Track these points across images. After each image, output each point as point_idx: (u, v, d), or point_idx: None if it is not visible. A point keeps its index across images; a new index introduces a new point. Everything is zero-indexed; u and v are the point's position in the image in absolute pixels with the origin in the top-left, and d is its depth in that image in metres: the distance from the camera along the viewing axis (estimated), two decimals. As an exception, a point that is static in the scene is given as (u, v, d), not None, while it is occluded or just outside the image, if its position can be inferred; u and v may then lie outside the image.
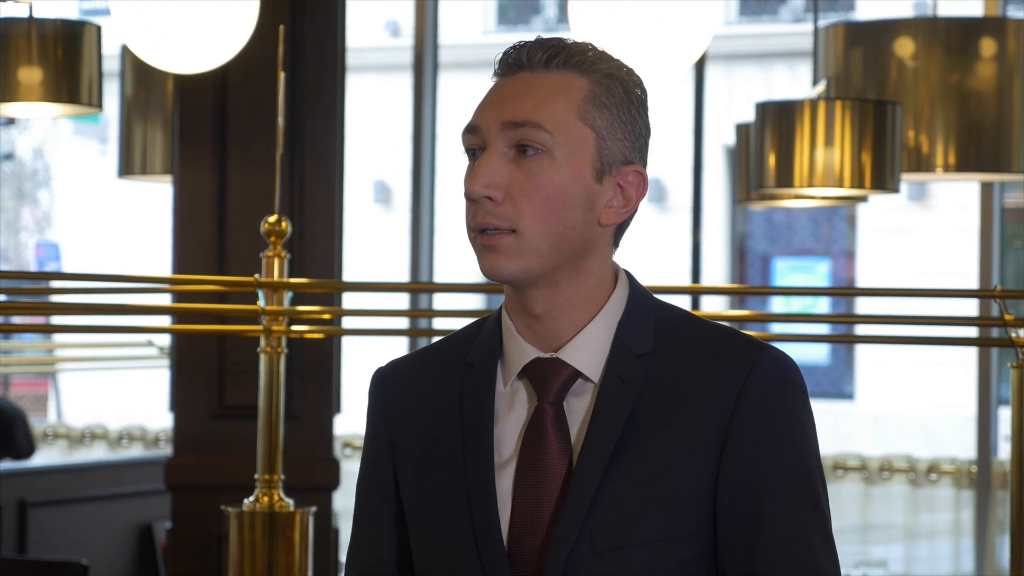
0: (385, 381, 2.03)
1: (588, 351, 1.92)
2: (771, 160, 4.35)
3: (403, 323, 6.83)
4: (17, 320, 9.69)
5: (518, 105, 1.89)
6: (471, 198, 1.89)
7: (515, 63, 1.93)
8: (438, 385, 1.98)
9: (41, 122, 15.56)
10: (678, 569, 1.86)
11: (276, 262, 3.46)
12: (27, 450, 7.02)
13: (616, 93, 1.92)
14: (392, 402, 2.01)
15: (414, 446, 1.98)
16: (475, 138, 1.92)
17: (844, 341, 9.27)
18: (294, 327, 3.54)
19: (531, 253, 1.88)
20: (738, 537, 1.87)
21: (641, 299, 1.96)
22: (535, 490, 1.89)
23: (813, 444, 1.92)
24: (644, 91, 1.96)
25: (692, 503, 1.87)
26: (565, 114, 1.90)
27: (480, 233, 1.90)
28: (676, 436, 1.88)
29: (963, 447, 7.83)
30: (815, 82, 4.83)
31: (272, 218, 3.48)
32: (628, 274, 1.98)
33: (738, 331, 1.95)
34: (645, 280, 2.01)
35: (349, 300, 4.93)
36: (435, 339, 2.13)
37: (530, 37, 1.97)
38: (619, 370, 1.91)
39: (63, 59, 3.99)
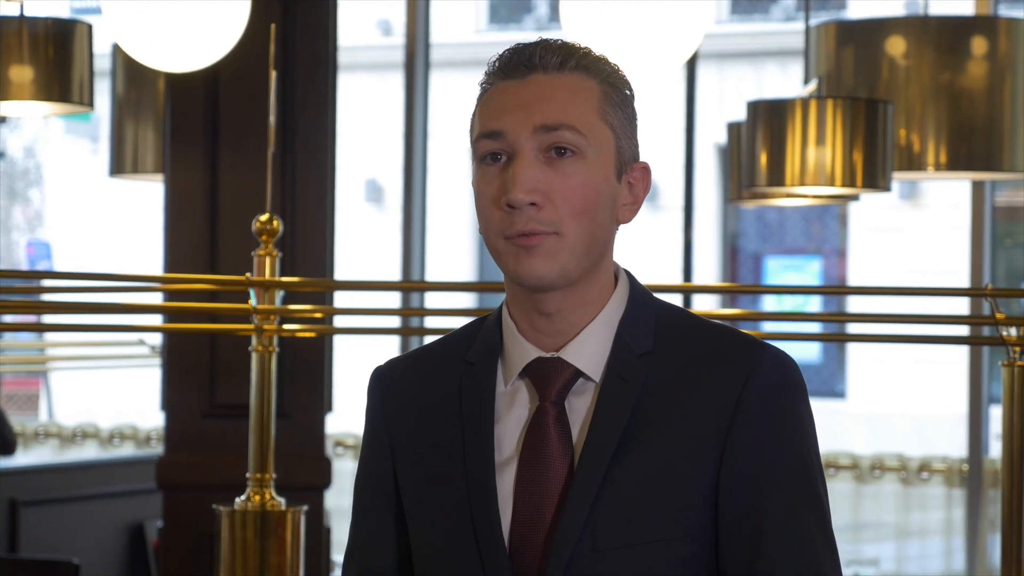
0: (384, 380, 2.02)
1: (589, 350, 1.92)
2: (763, 159, 4.35)
3: (395, 322, 6.83)
4: (8, 319, 9.66)
5: (547, 108, 1.87)
6: (514, 206, 1.86)
7: (526, 65, 1.90)
8: (437, 384, 1.98)
9: (32, 121, 15.53)
10: (678, 568, 1.86)
11: (267, 261, 3.46)
12: (3, 447, 6.97)
13: (621, 92, 1.94)
14: (391, 401, 2.01)
15: (413, 445, 1.97)
16: (498, 143, 1.89)
17: (836, 340, 9.27)
18: (286, 326, 3.53)
19: (568, 254, 1.87)
20: (738, 536, 1.87)
21: (641, 298, 1.96)
22: (536, 489, 1.89)
23: (813, 443, 1.92)
24: (633, 90, 1.98)
25: (693, 502, 1.87)
26: (589, 115, 1.89)
27: (520, 236, 1.87)
28: (677, 435, 1.88)
29: (954, 446, 7.83)
30: (806, 81, 4.83)
31: (264, 217, 3.48)
32: (628, 273, 1.98)
33: (739, 330, 1.95)
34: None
35: (341, 299, 4.92)
36: (427, 338, 2.13)
37: (525, 38, 1.95)
38: (620, 369, 1.90)
39: (54, 58, 3.98)
